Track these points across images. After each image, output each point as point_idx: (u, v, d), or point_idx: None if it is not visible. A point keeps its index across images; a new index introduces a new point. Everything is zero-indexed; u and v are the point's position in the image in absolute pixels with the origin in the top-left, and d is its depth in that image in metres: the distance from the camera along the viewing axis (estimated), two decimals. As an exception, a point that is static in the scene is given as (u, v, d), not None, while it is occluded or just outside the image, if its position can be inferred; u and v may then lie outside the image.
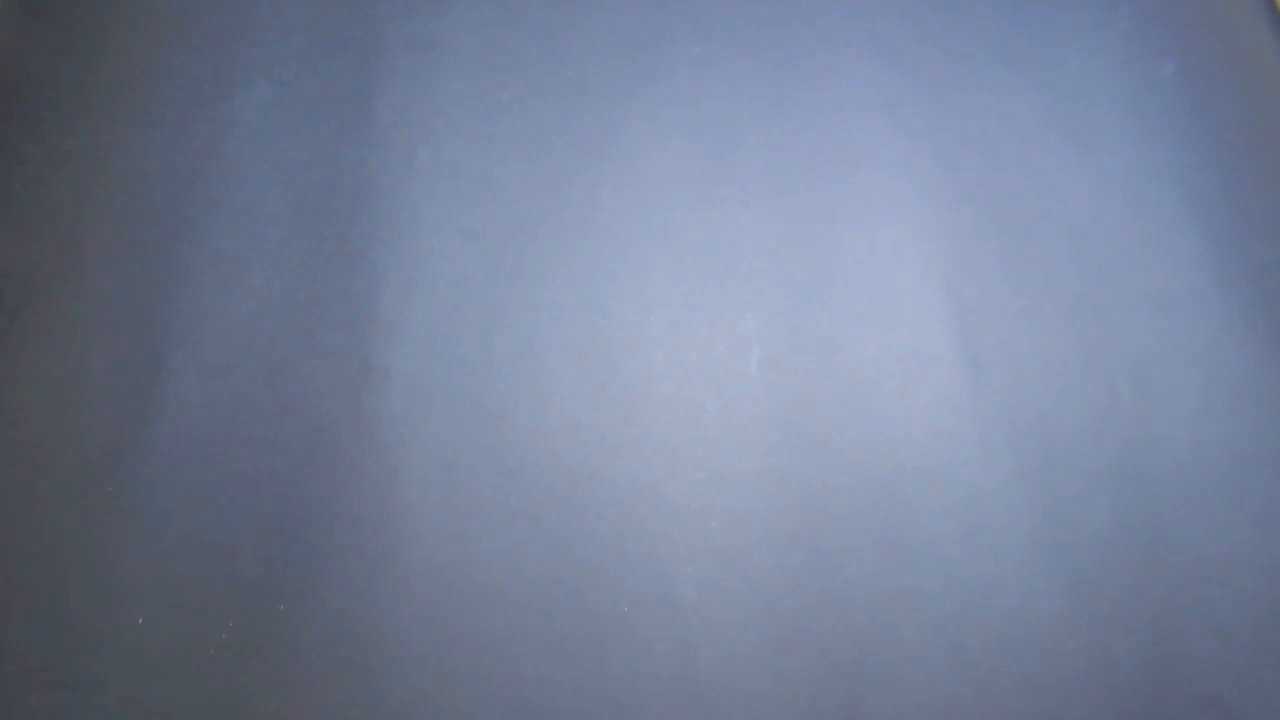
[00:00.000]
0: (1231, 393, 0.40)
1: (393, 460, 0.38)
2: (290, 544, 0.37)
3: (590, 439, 0.35)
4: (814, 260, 0.40)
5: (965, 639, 0.32)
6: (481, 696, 0.33)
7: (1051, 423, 0.35)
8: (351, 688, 0.37)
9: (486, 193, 0.43)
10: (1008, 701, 0.31)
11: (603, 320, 0.34)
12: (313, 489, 0.38)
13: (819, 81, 0.41)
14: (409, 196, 0.41)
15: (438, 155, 0.41)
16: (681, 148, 0.40)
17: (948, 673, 0.32)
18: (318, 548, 0.37)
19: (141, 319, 0.48)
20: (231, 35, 0.54)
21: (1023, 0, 0.33)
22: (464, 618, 0.35)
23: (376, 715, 0.36)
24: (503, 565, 0.36)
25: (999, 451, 0.35)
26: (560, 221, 0.41)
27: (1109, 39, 0.30)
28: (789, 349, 0.34)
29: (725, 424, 0.36)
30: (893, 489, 0.35)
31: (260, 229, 0.49)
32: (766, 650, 0.33)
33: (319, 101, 0.52)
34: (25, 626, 0.38)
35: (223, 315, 0.48)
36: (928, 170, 0.37)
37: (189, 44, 0.54)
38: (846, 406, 0.36)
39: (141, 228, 0.50)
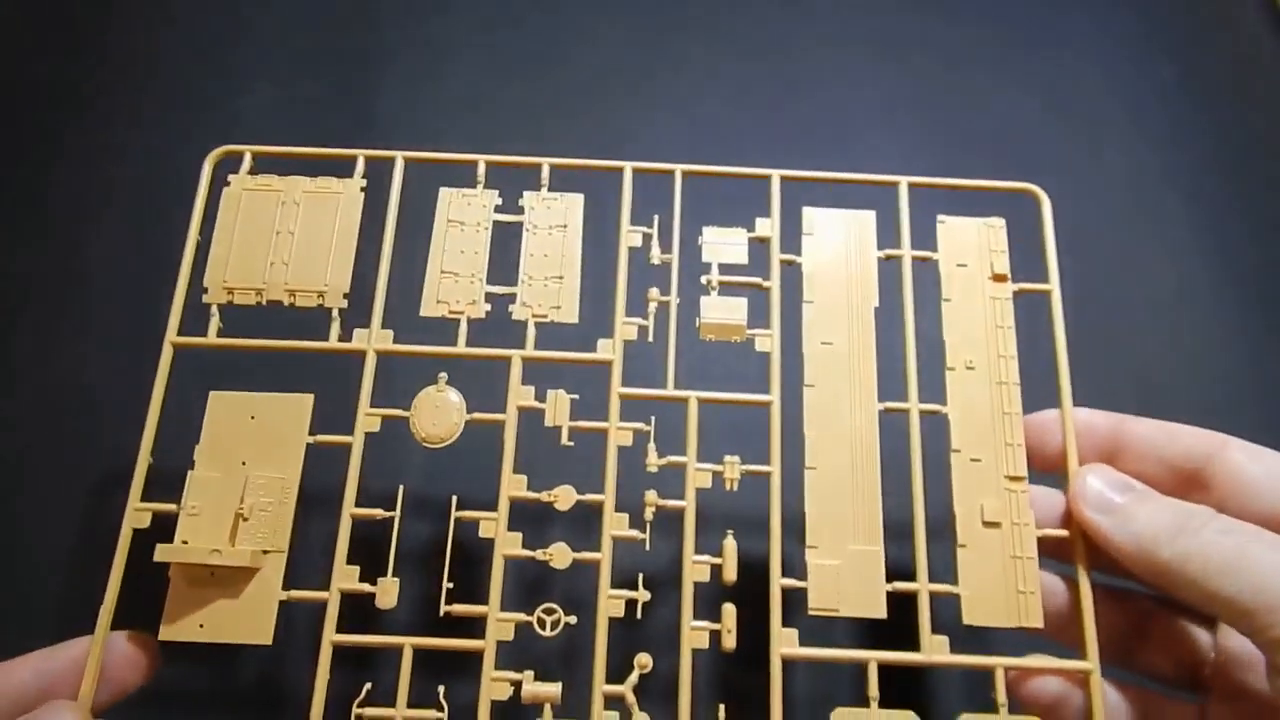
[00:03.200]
0: (1232, 392, 0.40)
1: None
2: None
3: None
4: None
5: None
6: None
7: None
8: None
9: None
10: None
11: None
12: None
13: (820, 82, 0.39)
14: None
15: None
16: (682, 147, 0.39)
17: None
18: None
19: (142, 319, 0.43)
20: (231, 35, 0.50)
21: (1023, 1, 0.33)
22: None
23: None
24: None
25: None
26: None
27: (1109, 40, 0.30)
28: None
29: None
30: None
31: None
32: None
33: (319, 102, 0.48)
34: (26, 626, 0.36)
35: (223, 314, 0.44)
36: (926, 170, 0.37)
37: (189, 44, 0.50)
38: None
39: (142, 228, 0.45)
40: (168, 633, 0.31)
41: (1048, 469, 0.34)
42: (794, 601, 0.31)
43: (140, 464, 0.33)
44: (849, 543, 0.32)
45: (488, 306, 0.35)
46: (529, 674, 0.31)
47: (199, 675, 0.38)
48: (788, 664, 0.31)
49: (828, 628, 0.31)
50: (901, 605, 0.32)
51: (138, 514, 0.32)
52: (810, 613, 0.31)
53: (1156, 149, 0.30)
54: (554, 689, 0.31)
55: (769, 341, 0.34)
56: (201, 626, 0.31)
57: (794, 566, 0.32)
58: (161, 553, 0.31)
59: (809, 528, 0.32)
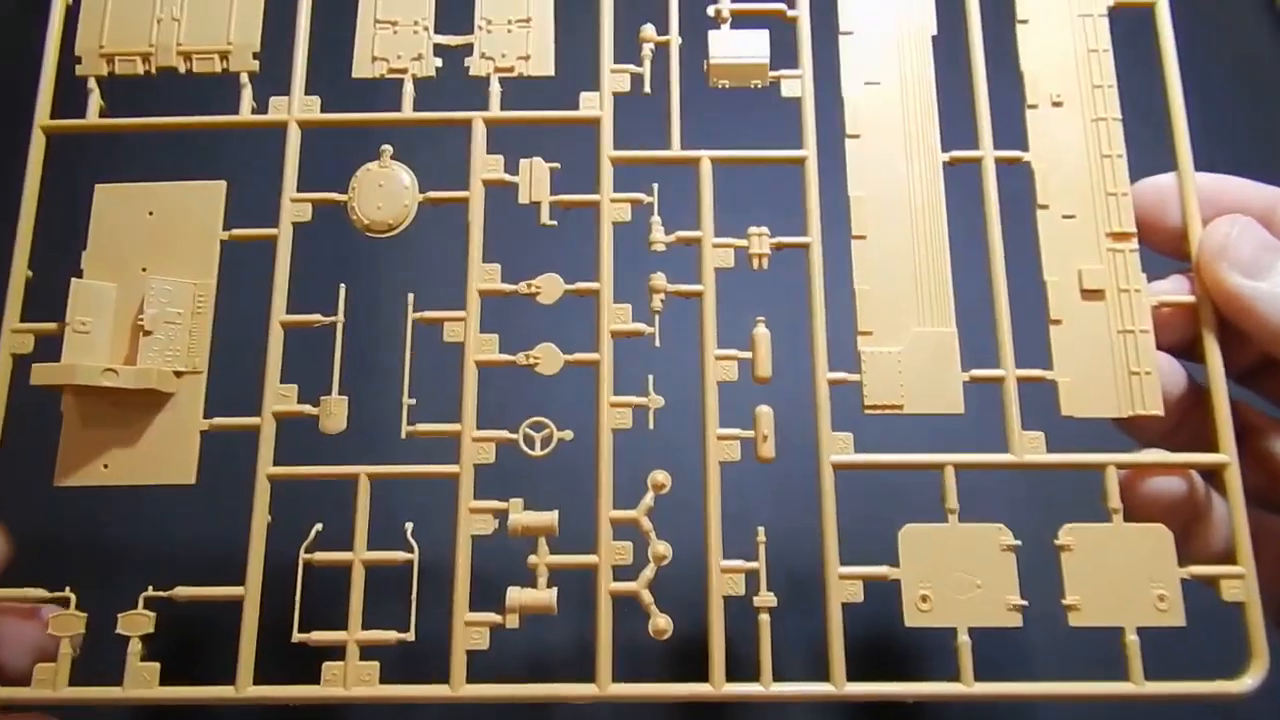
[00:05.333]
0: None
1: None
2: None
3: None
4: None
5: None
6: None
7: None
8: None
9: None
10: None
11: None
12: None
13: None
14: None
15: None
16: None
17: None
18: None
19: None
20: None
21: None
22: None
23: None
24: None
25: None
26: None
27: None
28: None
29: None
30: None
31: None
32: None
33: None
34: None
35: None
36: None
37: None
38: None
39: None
40: (65, 476, 0.25)
41: (1163, 251, 0.26)
42: (846, 400, 0.25)
43: (16, 277, 0.26)
44: (912, 325, 0.25)
45: (438, 62, 0.28)
46: (516, 502, 0.25)
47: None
48: (841, 474, 0.25)
49: (890, 429, 0.25)
50: (981, 398, 0.25)
51: (17, 336, 0.26)
52: (866, 411, 0.25)
53: (1155, 149, 0.27)
54: (549, 517, 0.24)
55: (798, 85, 0.27)
56: (106, 467, 0.25)
57: (844, 358, 0.25)
58: (40, 374, 0.24)
59: (860, 309, 0.26)
